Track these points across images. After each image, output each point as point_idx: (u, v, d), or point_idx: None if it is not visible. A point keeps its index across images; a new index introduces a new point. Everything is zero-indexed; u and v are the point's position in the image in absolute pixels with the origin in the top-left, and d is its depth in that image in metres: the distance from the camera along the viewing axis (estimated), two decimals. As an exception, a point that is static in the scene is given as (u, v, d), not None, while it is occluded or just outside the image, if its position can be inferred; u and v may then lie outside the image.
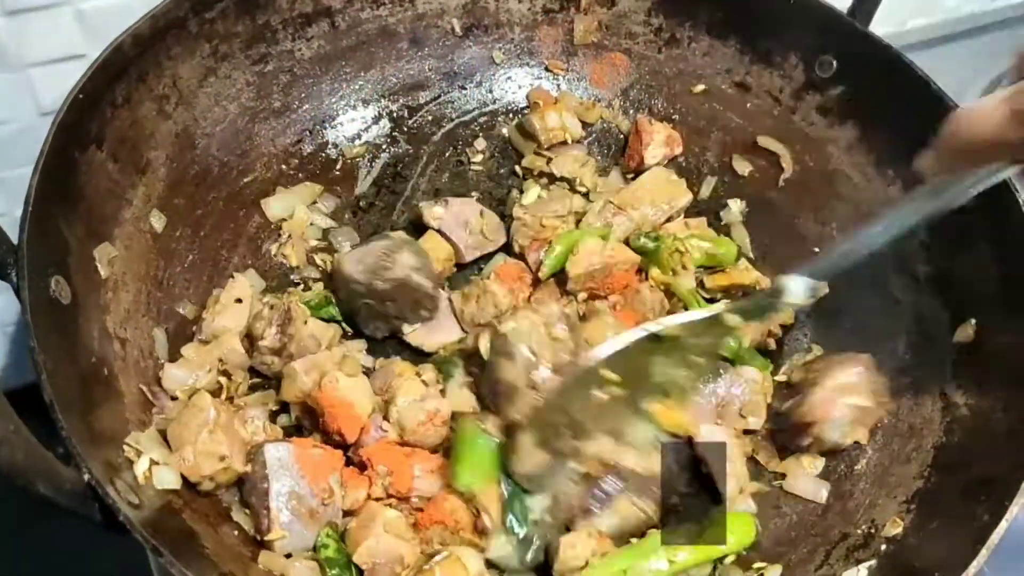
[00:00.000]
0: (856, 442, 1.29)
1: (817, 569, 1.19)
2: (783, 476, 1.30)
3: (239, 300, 1.30)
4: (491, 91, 1.60)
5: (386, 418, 1.22)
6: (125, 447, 1.06)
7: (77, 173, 1.14)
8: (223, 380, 1.25)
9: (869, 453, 1.30)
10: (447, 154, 1.58)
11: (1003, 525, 1.01)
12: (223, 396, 1.24)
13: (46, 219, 1.05)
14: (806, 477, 1.29)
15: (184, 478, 1.09)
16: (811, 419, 1.27)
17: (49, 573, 1.67)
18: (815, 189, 1.50)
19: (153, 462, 1.06)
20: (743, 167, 1.55)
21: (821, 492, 1.28)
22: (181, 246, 1.32)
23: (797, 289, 1.05)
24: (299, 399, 1.22)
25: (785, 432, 1.32)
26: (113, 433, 1.06)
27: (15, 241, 1.01)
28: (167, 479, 1.06)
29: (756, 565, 1.21)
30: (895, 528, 1.18)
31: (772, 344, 1.43)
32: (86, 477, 0.89)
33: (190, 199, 1.34)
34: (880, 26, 1.42)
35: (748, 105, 1.54)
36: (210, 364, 1.24)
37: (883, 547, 1.17)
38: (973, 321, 1.26)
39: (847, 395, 1.27)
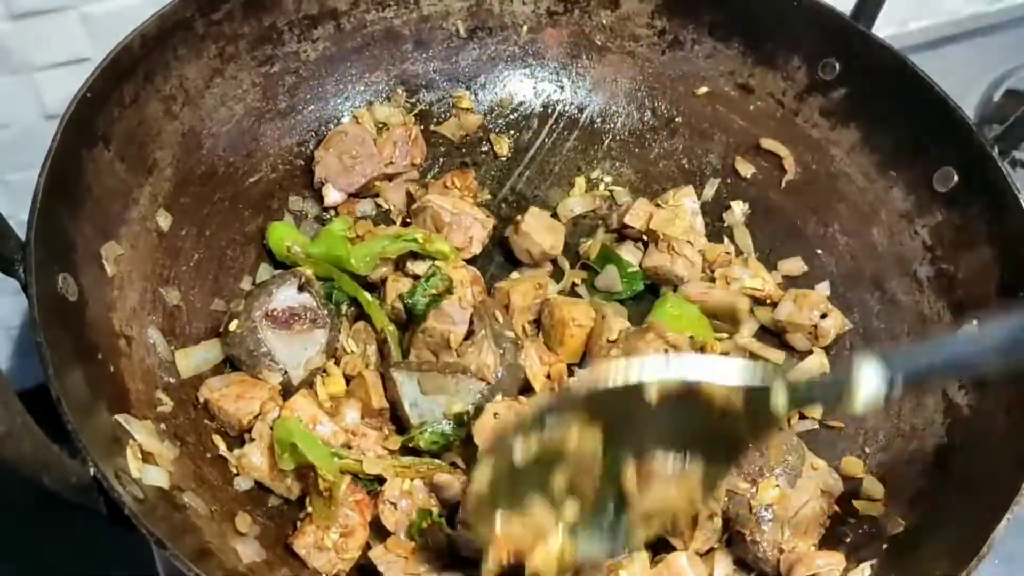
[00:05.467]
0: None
1: (818, 568, 1.19)
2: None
3: None
4: (495, 93, 1.61)
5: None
6: (117, 430, 1.05)
7: (84, 171, 1.14)
8: None
9: (871, 454, 1.30)
10: (452, 156, 1.59)
11: (1003, 524, 1.01)
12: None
13: (53, 216, 1.06)
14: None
15: (170, 481, 1.06)
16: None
17: (57, 568, 1.67)
18: (818, 191, 1.50)
19: (144, 452, 1.05)
20: (746, 169, 1.56)
21: None
22: (187, 245, 1.32)
23: (871, 383, 0.76)
24: None
25: None
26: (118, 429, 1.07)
27: (23, 238, 1.02)
28: (156, 477, 1.04)
29: (758, 564, 1.21)
30: (897, 527, 1.18)
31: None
32: (92, 471, 0.90)
33: (196, 199, 1.35)
34: (882, 27, 1.43)
35: (751, 107, 1.55)
36: None
37: (885, 547, 1.17)
38: (975, 322, 1.26)
39: None
